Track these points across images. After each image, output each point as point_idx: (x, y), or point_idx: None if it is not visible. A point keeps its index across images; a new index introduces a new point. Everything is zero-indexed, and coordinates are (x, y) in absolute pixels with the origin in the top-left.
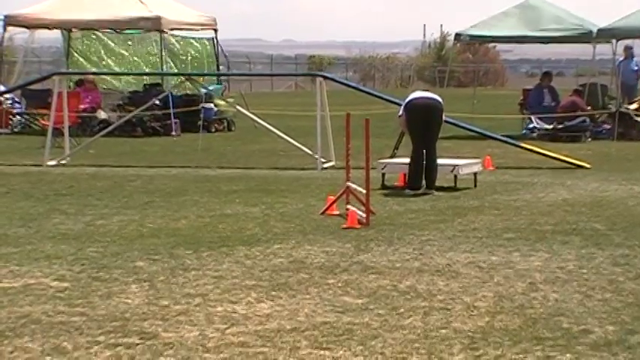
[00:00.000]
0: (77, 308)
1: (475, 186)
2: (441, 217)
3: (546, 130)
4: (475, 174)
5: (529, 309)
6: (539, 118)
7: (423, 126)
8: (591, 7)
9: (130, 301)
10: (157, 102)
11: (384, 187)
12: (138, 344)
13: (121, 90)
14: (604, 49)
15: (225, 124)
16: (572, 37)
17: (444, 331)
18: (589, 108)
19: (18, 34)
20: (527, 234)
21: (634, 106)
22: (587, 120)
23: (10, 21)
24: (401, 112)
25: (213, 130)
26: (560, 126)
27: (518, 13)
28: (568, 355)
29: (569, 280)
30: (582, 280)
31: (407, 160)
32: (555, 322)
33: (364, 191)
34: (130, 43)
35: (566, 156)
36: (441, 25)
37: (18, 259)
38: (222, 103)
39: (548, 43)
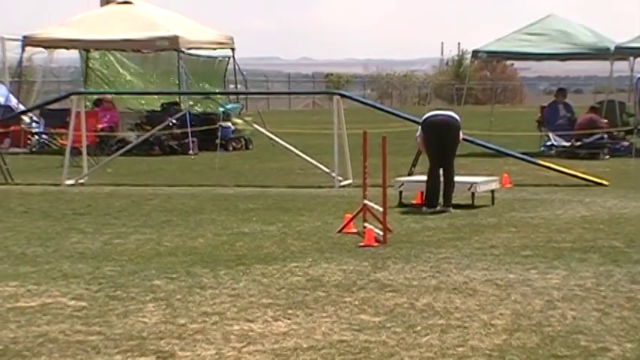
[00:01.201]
0: (94, 327)
1: (493, 203)
2: (459, 235)
3: (564, 147)
4: (492, 191)
5: (547, 327)
6: (557, 135)
7: (440, 143)
8: (609, 24)
9: (146, 319)
10: (175, 121)
11: (401, 204)
12: None
13: (138, 109)
14: (622, 66)
15: (243, 142)
16: (589, 54)
17: (461, 349)
18: (605, 121)
19: (37, 54)
20: (544, 251)
21: None
22: (605, 137)
23: (29, 41)
24: (418, 133)
25: (230, 148)
26: (578, 143)
27: (536, 30)
28: None
29: (587, 297)
30: (600, 297)
31: (424, 177)
32: (573, 340)
33: (381, 209)
34: (147, 62)
35: (584, 173)
36: (459, 43)
37: (36, 278)
38: (239, 121)
39: (565, 60)
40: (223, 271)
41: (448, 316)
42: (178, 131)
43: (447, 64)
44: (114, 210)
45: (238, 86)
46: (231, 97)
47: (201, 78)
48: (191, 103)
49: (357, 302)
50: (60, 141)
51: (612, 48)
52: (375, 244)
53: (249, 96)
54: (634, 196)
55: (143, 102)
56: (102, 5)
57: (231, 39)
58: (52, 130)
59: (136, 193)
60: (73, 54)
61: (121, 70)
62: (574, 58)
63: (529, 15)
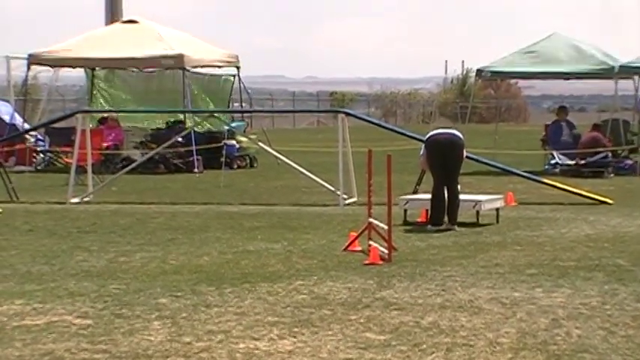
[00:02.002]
0: (100, 345)
1: (497, 222)
2: (464, 253)
3: (568, 165)
4: (497, 210)
5: (552, 345)
6: (562, 154)
7: (444, 162)
8: (614, 43)
9: (152, 338)
10: (180, 139)
11: (406, 223)
12: None
13: (143, 127)
14: (626, 85)
15: (248, 160)
16: (594, 73)
17: None
18: (609, 141)
19: (42, 73)
20: (549, 270)
21: None
22: (609, 155)
23: (34, 60)
24: (422, 152)
25: (235, 166)
26: (583, 162)
27: (540, 49)
28: None
29: (593, 316)
30: (605, 316)
31: (429, 196)
32: (579, 359)
33: (386, 227)
34: (152, 81)
35: (589, 191)
36: (463, 62)
37: (41, 296)
38: (244, 139)
39: (570, 79)
40: (229, 289)
41: (454, 334)
42: (183, 149)
43: (451, 82)
44: (119, 228)
45: (243, 104)
46: (236, 115)
47: (206, 96)
48: (197, 119)
49: (362, 320)
50: (65, 159)
51: (617, 67)
52: (381, 262)
53: (254, 114)
54: (639, 214)
55: (148, 120)
56: (107, 24)
57: (236, 57)
58: (57, 149)
59: (141, 211)
60: (79, 72)
61: (125, 90)
62: (579, 77)
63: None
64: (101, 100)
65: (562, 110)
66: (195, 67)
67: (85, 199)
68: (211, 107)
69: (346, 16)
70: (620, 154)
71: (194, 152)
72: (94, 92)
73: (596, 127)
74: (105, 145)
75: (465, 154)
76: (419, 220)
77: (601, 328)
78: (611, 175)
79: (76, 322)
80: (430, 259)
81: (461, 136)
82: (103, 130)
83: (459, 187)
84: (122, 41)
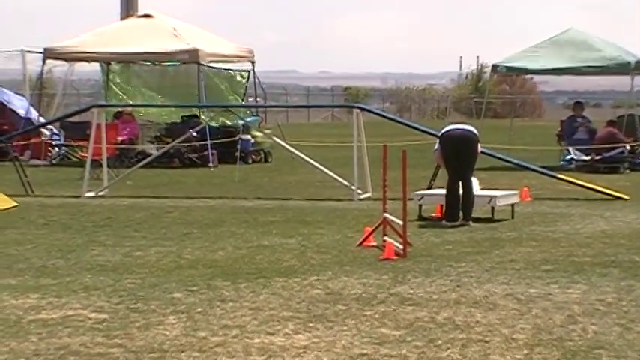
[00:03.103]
0: (115, 339)
1: (512, 217)
2: (479, 249)
3: (584, 161)
4: (512, 205)
5: (568, 341)
6: (577, 150)
7: (458, 157)
8: (629, 38)
9: (167, 332)
10: (195, 134)
11: (420, 218)
12: None
13: (158, 122)
14: None
15: (262, 155)
16: (609, 69)
17: None
18: (629, 140)
19: (57, 67)
20: (565, 266)
21: None
22: (625, 151)
23: (50, 54)
24: (436, 147)
25: (250, 161)
26: (598, 157)
27: (555, 44)
28: None
29: (608, 312)
30: (621, 312)
31: (444, 191)
32: (595, 355)
33: (401, 223)
34: (167, 75)
35: (604, 187)
36: (478, 57)
37: (57, 290)
38: (259, 134)
39: (585, 74)
40: (244, 283)
41: (469, 330)
42: (198, 144)
43: (466, 77)
44: (134, 222)
45: (258, 99)
46: (251, 109)
47: (221, 91)
48: (212, 114)
49: (377, 316)
50: (80, 153)
51: (633, 62)
52: (395, 257)
53: (269, 109)
54: None
55: (164, 114)
56: (122, 18)
57: (251, 52)
58: (73, 143)
59: (156, 205)
60: (94, 67)
61: (140, 84)
62: (594, 72)
63: (549, 28)
64: (117, 95)
65: (578, 106)
66: (210, 61)
67: (100, 194)
68: (227, 102)
69: (360, 10)
70: (637, 149)
71: (209, 147)
72: (109, 86)
73: (611, 122)
74: (120, 139)
75: (479, 149)
76: (434, 215)
77: (617, 324)
78: (627, 170)
79: (92, 316)
80: (445, 255)
81: (475, 131)
82: (118, 124)
83: (476, 182)
84: (137, 36)
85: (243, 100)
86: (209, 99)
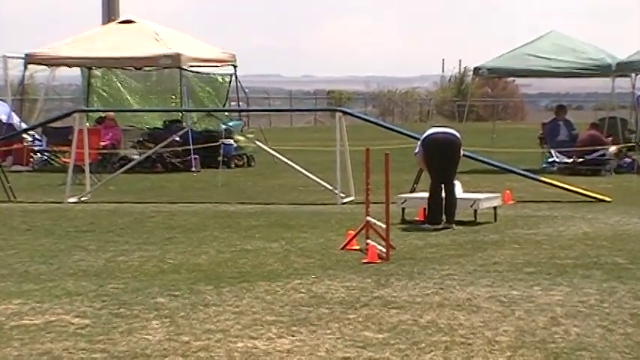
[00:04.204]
0: (98, 345)
1: (495, 220)
2: (462, 252)
3: (566, 163)
4: (495, 208)
5: (551, 343)
6: (559, 152)
7: (441, 161)
8: (610, 41)
9: (150, 337)
10: (177, 138)
11: (403, 221)
12: None
13: (140, 127)
14: (623, 83)
15: (245, 159)
16: (591, 71)
17: None
18: (610, 139)
19: (39, 72)
20: (547, 268)
21: None
22: (607, 153)
23: (31, 59)
24: (417, 150)
25: (232, 165)
26: (580, 160)
27: (537, 47)
28: None
29: (591, 314)
30: (604, 314)
31: (426, 194)
32: (577, 357)
33: (384, 226)
34: (149, 80)
35: (587, 189)
36: (460, 60)
37: (39, 295)
38: (241, 138)
39: (567, 77)
40: (227, 288)
41: (452, 332)
42: (180, 148)
43: (448, 80)
44: (117, 227)
45: (240, 103)
46: (234, 114)
47: (203, 95)
48: (194, 120)
49: (360, 319)
50: (62, 159)
51: (614, 64)
52: (378, 260)
53: (251, 113)
54: (637, 212)
55: (150, 121)
56: (104, 23)
57: (234, 56)
58: (55, 148)
59: (139, 210)
60: (75, 72)
61: (122, 89)
62: (575, 75)
63: (530, 31)
64: (99, 100)
65: (561, 109)
66: (193, 66)
67: (83, 199)
68: (209, 106)
69: (343, 14)
70: (624, 152)
71: (191, 151)
72: (91, 91)
73: (594, 125)
74: (102, 144)
75: (462, 152)
76: (417, 218)
77: (599, 326)
78: (609, 172)
79: (74, 322)
80: (428, 258)
81: (458, 135)
82: (100, 129)
83: (459, 185)
84: (119, 40)
85: (225, 105)
86: (191, 103)
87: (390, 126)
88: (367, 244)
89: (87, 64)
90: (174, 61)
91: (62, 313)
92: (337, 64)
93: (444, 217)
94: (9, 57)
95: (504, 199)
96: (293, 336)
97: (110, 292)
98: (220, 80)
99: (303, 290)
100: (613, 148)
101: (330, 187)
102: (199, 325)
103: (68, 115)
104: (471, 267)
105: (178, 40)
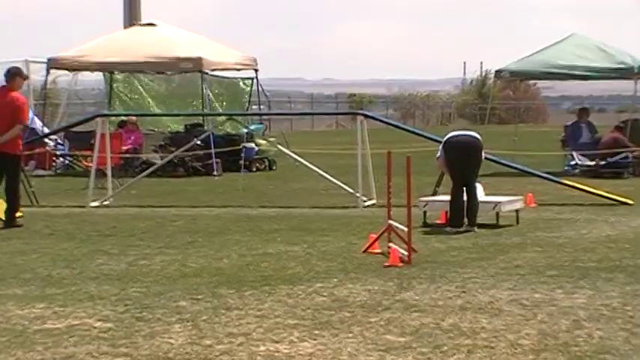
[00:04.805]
0: (121, 348)
1: (517, 223)
2: (483, 255)
3: (588, 166)
4: (517, 211)
5: (573, 347)
6: (581, 155)
7: (462, 163)
8: (633, 43)
9: (173, 340)
10: (199, 142)
11: (425, 225)
12: None
13: (162, 131)
14: None
15: (267, 163)
16: (613, 74)
17: None
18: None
19: (61, 77)
20: (570, 271)
21: None
22: (630, 156)
23: (54, 64)
24: (439, 154)
25: (254, 169)
26: (603, 162)
27: (559, 49)
28: None
29: (614, 317)
30: (627, 317)
31: (448, 197)
32: None
33: (406, 229)
34: (171, 84)
35: (609, 192)
36: (481, 63)
37: (62, 299)
38: (263, 142)
39: (589, 79)
40: (249, 291)
41: (474, 336)
42: (202, 152)
43: (470, 83)
44: (139, 231)
45: (262, 107)
46: (255, 117)
47: (224, 99)
48: (218, 123)
49: (382, 322)
50: (84, 163)
51: (636, 67)
52: (400, 264)
53: (273, 117)
54: None
55: (175, 125)
56: (125, 27)
57: (255, 60)
58: (77, 152)
59: (161, 214)
60: (97, 76)
61: (144, 93)
62: (598, 77)
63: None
64: (121, 104)
65: (584, 111)
66: (214, 70)
67: (105, 203)
68: (231, 110)
69: (363, 17)
70: None
71: (213, 155)
72: (113, 96)
73: (617, 128)
74: (124, 148)
75: (483, 155)
76: (438, 221)
77: (622, 330)
78: (631, 175)
79: (97, 326)
80: (450, 261)
81: (479, 137)
82: (122, 133)
83: (481, 187)
84: (140, 44)
85: (247, 109)
86: (213, 107)
87: (412, 129)
88: (389, 247)
89: (109, 69)
90: (195, 65)
91: (85, 317)
92: (359, 67)
93: (465, 220)
94: (32, 61)
95: (526, 201)
96: (315, 339)
97: (132, 296)
98: (242, 84)
99: (324, 294)
100: (636, 151)
101: (352, 191)
102: (221, 328)
103: (90, 119)
104: (493, 270)
105: (200, 44)
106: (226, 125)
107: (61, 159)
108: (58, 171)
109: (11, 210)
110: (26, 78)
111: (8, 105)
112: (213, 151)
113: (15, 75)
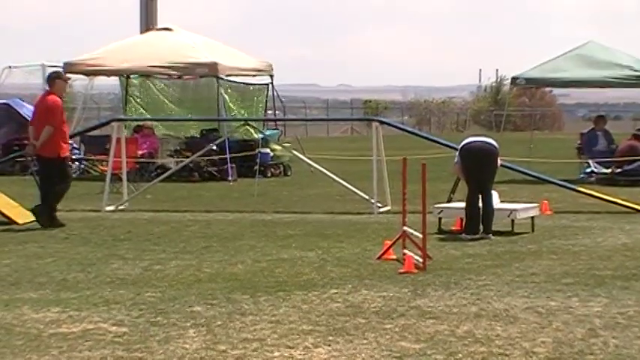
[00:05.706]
0: (136, 353)
1: (533, 230)
2: (499, 262)
3: (604, 174)
4: (532, 218)
5: (589, 355)
6: (597, 162)
7: (478, 170)
8: None
9: (187, 345)
10: (214, 147)
11: (440, 231)
12: None
13: (177, 135)
14: None
15: (282, 168)
16: (629, 82)
17: None
18: None
19: (77, 81)
20: (586, 279)
21: None
22: None
23: (69, 68)
24: (456, 159)
25: (269, 174)
26: (619, 170)
27: (575, 57)
28: None
29: (630, 325)
30: None
31: (463, 204)
32: None
33: (421, 236)
34: (186, 89)
35: (625, 200)
36: (497, 70)
37: (77, 304)
38: (278, 147)
39: (605, 87)
40: (263, 297)
41: (489, 343)
42: (217, 157)
43: (485, 90)
44: (154, 236)
45: (277, 112)
46: (270, 123)
47: (240, 105)
48: (234, 128)
49: (397, 329)
50: (100, 167)
51: None
52: (415, 270)
53: (288, 122)
54: None
55: (193, 129)
56: (142, 32)
57: (270, 66)
58: (92, 157)
59: (176, 219)
60: (113, 80)
61: (161, 97)
62: (614, 85)
63: (568, 41)
64: (136, 108)
65: (600, 119)
66: (229, 75)
67: (120, 207)
68: (245, 116)
69: (379, 24)
70: None
71: (228, 160)
72: (129, 100)
73: (635, 136)
74: (140, 153)
75: (499, 162)
76: (453, 228)
77: (638, 338)
78: None
79: (112, 330)
80: (465, 268)
81: (495, 144)
82: (137, 138)
83: (496, 194)
84: (156, 49)
85: (262, 114)
86: (228, 112)
87: (427, 135)
88: (404, 253)
89: (124, 73)
90: (211, 70)
91: (100, 322)
92: (374, 74)
93: (481, 227)
94: (48, 66)
95: (542, 209)
96: (329, 346)
97: (147, 301)
98: (257, 90)
99: (339, 300)
100: None
101: (367, 197)
102: (236, 334)
103: (106, 123)
104: (508, 277)
105: (215, 49)
106: (241, 131)
107: (77, 163)
108: (74, 175)
109: (47, 207)
110: (67, 80)
111: (42, 107)
112: (228, 156)
113: (54, 78)
